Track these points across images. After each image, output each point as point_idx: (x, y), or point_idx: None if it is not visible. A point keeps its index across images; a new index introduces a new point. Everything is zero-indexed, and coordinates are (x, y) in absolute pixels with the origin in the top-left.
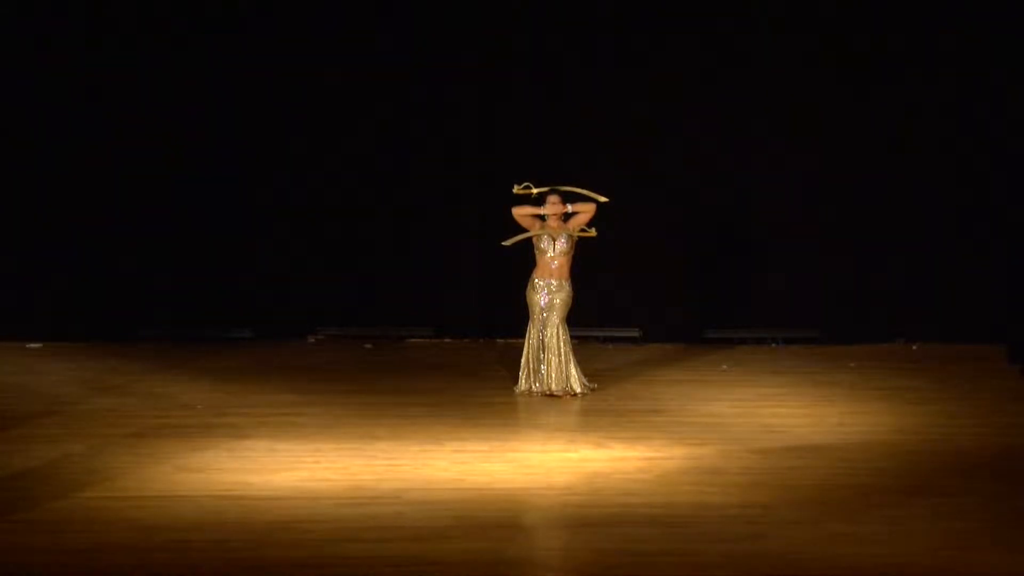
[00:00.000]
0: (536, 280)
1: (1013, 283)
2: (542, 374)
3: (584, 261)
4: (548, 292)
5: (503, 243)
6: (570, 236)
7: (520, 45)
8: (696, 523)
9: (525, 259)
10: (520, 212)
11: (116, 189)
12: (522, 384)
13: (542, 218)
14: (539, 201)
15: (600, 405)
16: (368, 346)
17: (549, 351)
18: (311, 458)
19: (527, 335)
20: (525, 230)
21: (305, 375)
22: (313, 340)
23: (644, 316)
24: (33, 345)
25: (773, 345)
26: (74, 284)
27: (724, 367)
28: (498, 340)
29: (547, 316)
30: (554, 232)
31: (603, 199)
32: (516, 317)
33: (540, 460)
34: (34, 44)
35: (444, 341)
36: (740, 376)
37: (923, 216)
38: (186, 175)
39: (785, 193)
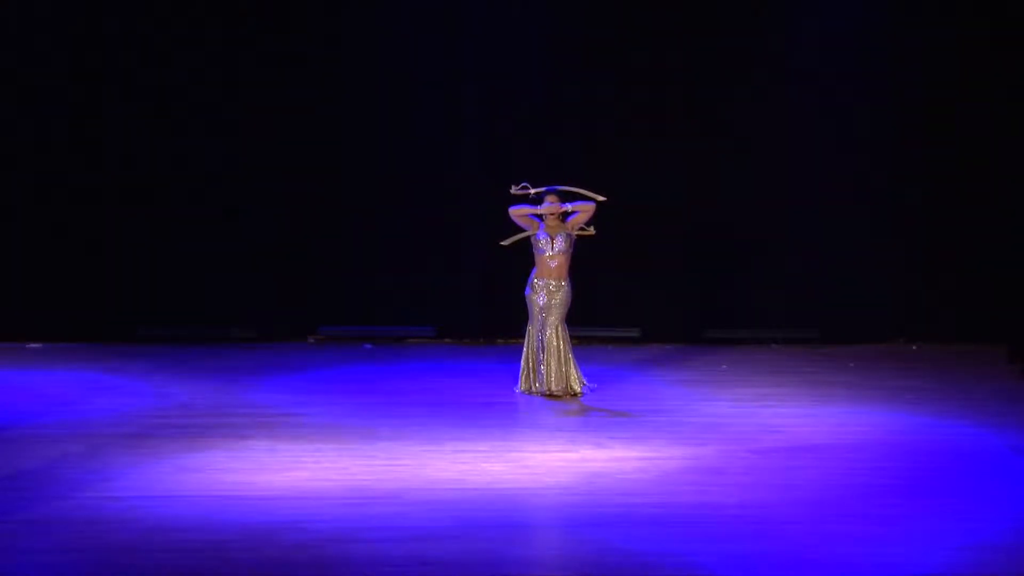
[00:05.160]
0: (535, 280)
1: (1013, 283)
2: (542, 374)
3: (584, 261)
4: (547, 292)
5: (502, 243)
6: (568, 236)
7: (520, 45)
8: (696, 523)
9: (525, 259)
10: (517, 212)
11: (115, 189)
12: (522, 384)
13: (540, 218)
14: (537, 201)
15: (600, 405)
16: (368, 346)
17: (549, 351)
18: (311, 458)
19: (527, 335)
20: (523, 229)
21: (305, 375)
22: (313, 340)
23: (644, 316)
24: (33, 345)
25: (773, 345)
26: (74, 284)
27: (724, 367)
28: (498, 340)
29: (546, 316)
30: (552, 231)
31: (601, 198)
32: (516, 317)
33: (540, 460)
34: (33, 43)
35: (444, 341)
36: (740, 376)
37: (923, 216)
38: (186, 175)
39: (785, 193)
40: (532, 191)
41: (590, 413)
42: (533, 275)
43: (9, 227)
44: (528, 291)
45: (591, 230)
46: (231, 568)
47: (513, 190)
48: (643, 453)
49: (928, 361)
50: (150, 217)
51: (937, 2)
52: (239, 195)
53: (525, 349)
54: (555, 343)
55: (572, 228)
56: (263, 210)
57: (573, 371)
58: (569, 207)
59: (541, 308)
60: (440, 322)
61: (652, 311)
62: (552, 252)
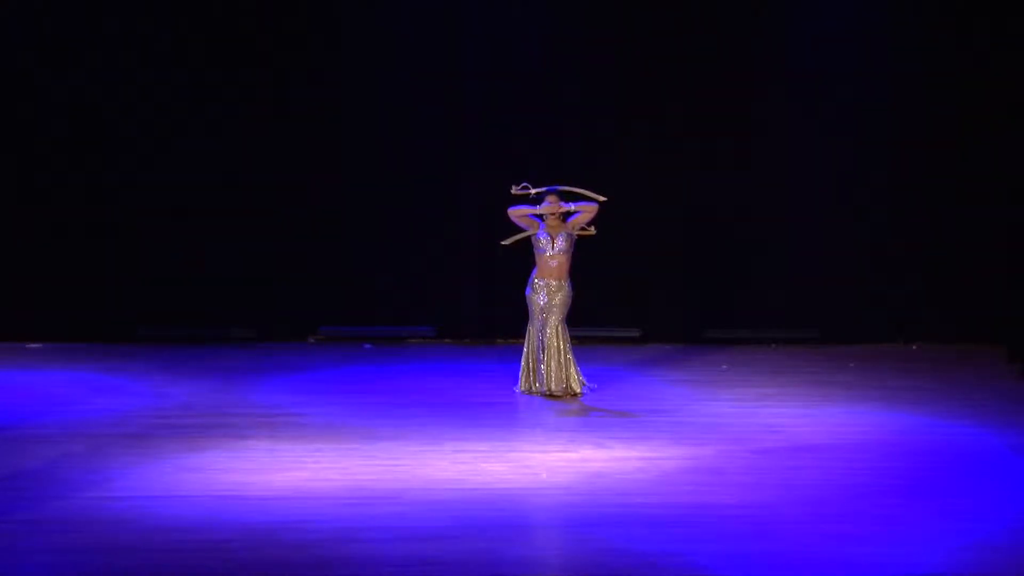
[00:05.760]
0: (536, 280)
1: (1013, 283)
2: (542, 374)
3: (584, 261)
4: (548, 292)
5: (503, 242)
6: (569, 235)
7: (520, 44)
8: (696, 523)
9: (525, 259)
10: (517, 213)
11: (115, 189)
12: (522, 384)
13: (540, 218)
14: (538, 202)
15: (600, 405)
16: (368, 346)
17: (549, 351)
18: (311, 458)
19: (527, 335)
20: (524, 229)
21: (305, 375)
22: (313, 340)
23: (644, 316)
24: (33, 345)
25: (773, 345)
26: (74, 284)
27: (724, 367)
28: (498, 340)
29: (547, 316)
30: (553, 231)
31: (601, 199)
32: (516, 317)
33: (540, 460)
34: (35, 44)
35: (444, 341)
36: (740, 376)
37: (923, 216)
38: (185, 175)
39: (785, 193)
40: (533, 191)
41: (590, 413)
42: (534, 275)
43: (9, 227)
44: (528, 291)
45: (592, 230)
46: (232, 568)
47: (514, 190)
48: (643, 453)
49: (928, 361)
50: (150, 217)
51: (936, 1)
52: (239, 195)
53: (525, 349)
54: (555, 343)
55: (573, 228)
56: (263, 210)
57: (573, 371)
58: (572, 207)
59: (541, 308)
60: (440, 322)
61: (652, 311)
62: (553, 252)
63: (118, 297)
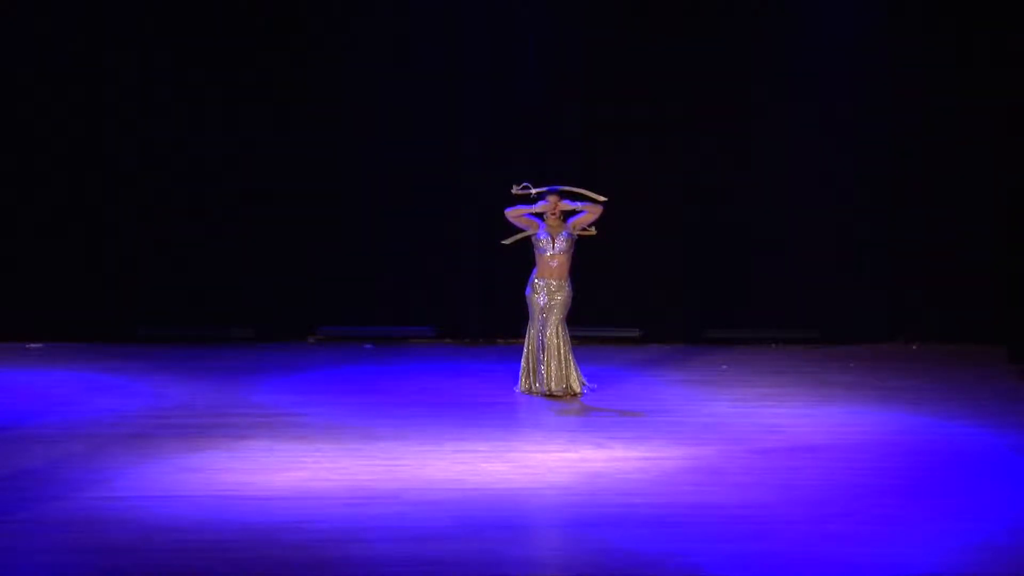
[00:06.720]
0: (536, 280)
1: (1013, 283)
2: (542, 374)
3: (584, 261)
4: (548, 292)
5: (503, 242)
6: (570, 235)
7: (520, 45)
8: (696, 523)
9: (526, 259)
10: (514, 213)
11: (116, 188)
12: (522, 384)
13: (540, 218)
14: (538, 202)
15: (600, 405)
16: (368, 346)
17: (549, 351)
18: (311, 458)
19: (527, 335)
20: (523, 229)
21: (305, 375)
22: (313, 340)
23: (644, 316)
24: (33, 345)
25: (773, 345)
26: (74, 284)
27: (724, 367)
28: (498, 340)
29: (547, 316)
30: (554, 231)
31: (602, 199)
32: (516, 317)
33: (540, 460)
34: (36, 43)
35: (444, 341)
36: (740, 376)
37: (923, 216)
38: (186, 175)
39: (785, 193)
40: (533, 191)
41: (590, 413)
42: (534, 275)
43: (10, 226)
44: (528, 291)
45: (592, 230)
46: (231, 568)
47: (514, 190)
48: (643, 453)
49: (928, 361)
50: (150, 217)
51: (936, 4)
52: (239, 195)
53: (525, 349)
54: (555, 343)
55: (575, 228)
56: (263, 210)
57: (573, 371)
58: (578, 206)
59: (542, 308)
60: (440, 322)
61: (652, 311)
62: (553, 252)
63: (118, 297)
